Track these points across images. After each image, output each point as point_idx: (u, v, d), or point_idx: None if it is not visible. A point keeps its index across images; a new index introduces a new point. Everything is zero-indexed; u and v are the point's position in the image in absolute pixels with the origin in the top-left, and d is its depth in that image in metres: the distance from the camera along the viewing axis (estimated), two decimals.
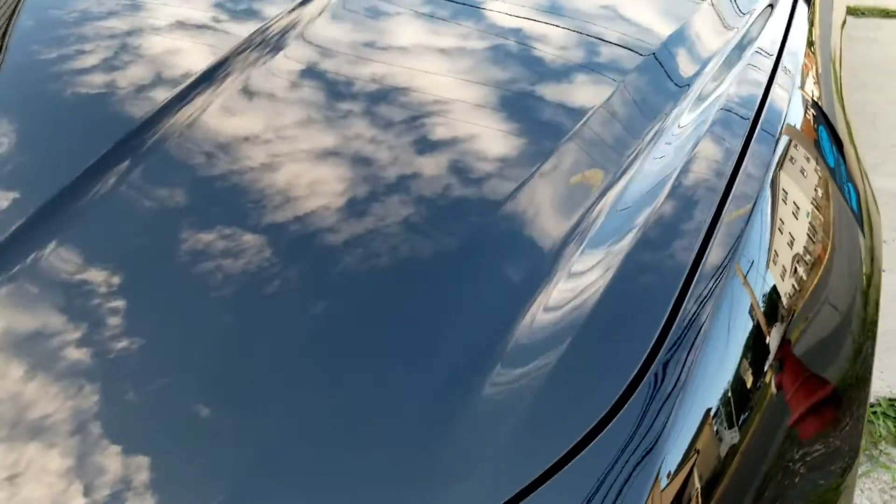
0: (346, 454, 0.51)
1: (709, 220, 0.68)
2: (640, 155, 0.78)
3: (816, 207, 0.83)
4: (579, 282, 0.62)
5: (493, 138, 0.76)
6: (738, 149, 0.79)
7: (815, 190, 0.84)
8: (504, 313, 0.59)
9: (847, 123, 1.06)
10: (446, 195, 0.70)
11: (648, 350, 0.57)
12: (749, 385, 0.60)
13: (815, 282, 0.75)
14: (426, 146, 0.75)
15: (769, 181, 0.76)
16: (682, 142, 0.79)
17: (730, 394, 0.58)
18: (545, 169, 0.73)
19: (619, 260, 0.63)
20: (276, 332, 0.58)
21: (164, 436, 0.52)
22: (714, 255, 0.65)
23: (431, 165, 0.72)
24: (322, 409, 0.53)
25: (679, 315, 0.59)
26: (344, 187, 0.70)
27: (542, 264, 0.64)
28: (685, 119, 0.84)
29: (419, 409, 0.53)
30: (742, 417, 0.58)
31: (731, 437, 0.57)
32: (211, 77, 0.83)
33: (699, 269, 0.63)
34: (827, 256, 0.79)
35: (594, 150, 0.78)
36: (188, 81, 0.81)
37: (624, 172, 0.75)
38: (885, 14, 3.73)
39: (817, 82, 1.02)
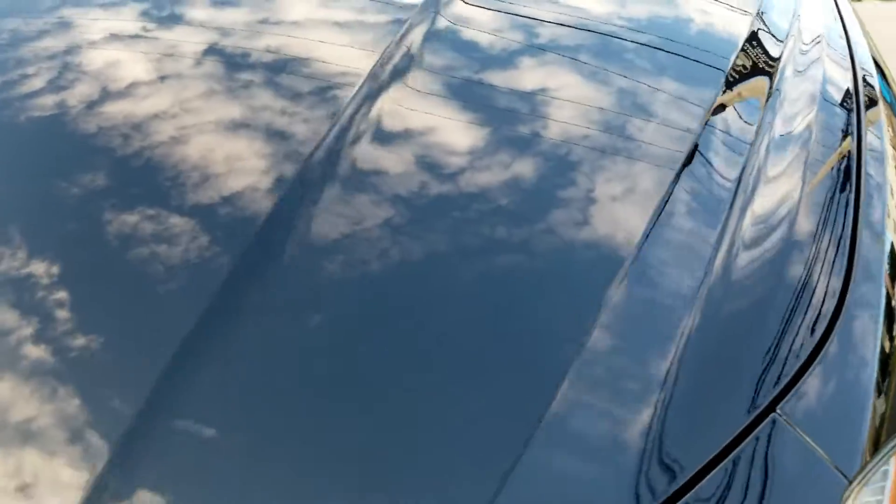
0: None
1: (853, 199, 0.80)
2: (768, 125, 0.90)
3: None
4: (738, 285, 0.70)
5: (621, 158, 0.83)
6: (855, 129, 0.91)
7: (891, 131, 0.98)
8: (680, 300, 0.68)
9: (880, 55, 1.20)
10: (626, 185, 0.79)
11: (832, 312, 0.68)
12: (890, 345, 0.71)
13: None
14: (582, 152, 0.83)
15: (889, 151, 0.90)
16: (795, 128, 0.90)
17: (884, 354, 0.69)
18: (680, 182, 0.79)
19: (780, 250, 0.73)
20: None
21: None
22: (863, 247, 0.76)
23: (596, 167, 0.81)
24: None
25: (850, 287, 0.71)
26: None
27: (696, 267, 0.71)
28: (787, 111, 0.92)
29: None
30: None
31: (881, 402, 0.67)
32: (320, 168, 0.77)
33: (855, 260, 0.74)
34: None
35: (718, 160, 0.84)
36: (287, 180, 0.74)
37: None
38: None
39: (863, 34, 1.17)
